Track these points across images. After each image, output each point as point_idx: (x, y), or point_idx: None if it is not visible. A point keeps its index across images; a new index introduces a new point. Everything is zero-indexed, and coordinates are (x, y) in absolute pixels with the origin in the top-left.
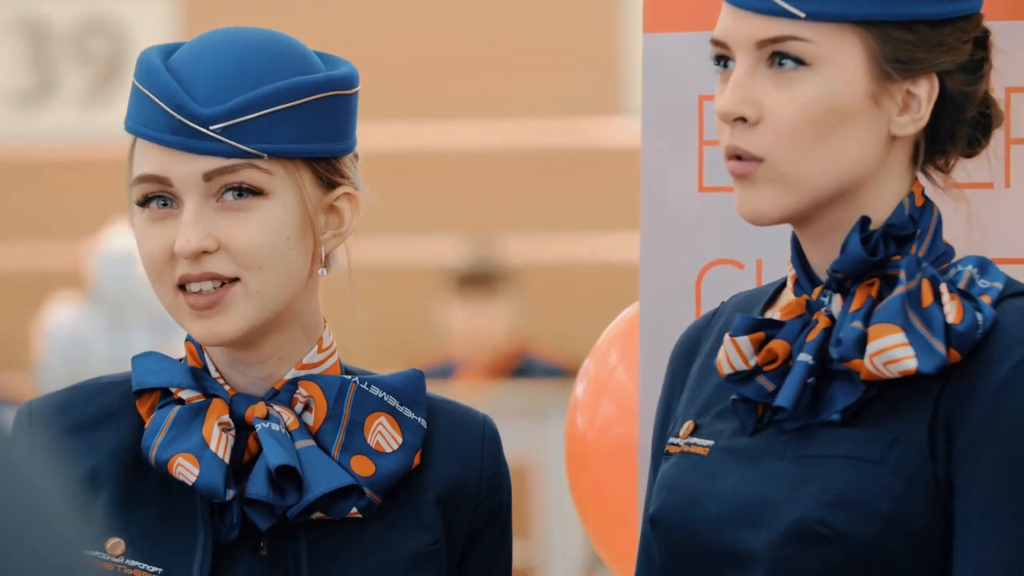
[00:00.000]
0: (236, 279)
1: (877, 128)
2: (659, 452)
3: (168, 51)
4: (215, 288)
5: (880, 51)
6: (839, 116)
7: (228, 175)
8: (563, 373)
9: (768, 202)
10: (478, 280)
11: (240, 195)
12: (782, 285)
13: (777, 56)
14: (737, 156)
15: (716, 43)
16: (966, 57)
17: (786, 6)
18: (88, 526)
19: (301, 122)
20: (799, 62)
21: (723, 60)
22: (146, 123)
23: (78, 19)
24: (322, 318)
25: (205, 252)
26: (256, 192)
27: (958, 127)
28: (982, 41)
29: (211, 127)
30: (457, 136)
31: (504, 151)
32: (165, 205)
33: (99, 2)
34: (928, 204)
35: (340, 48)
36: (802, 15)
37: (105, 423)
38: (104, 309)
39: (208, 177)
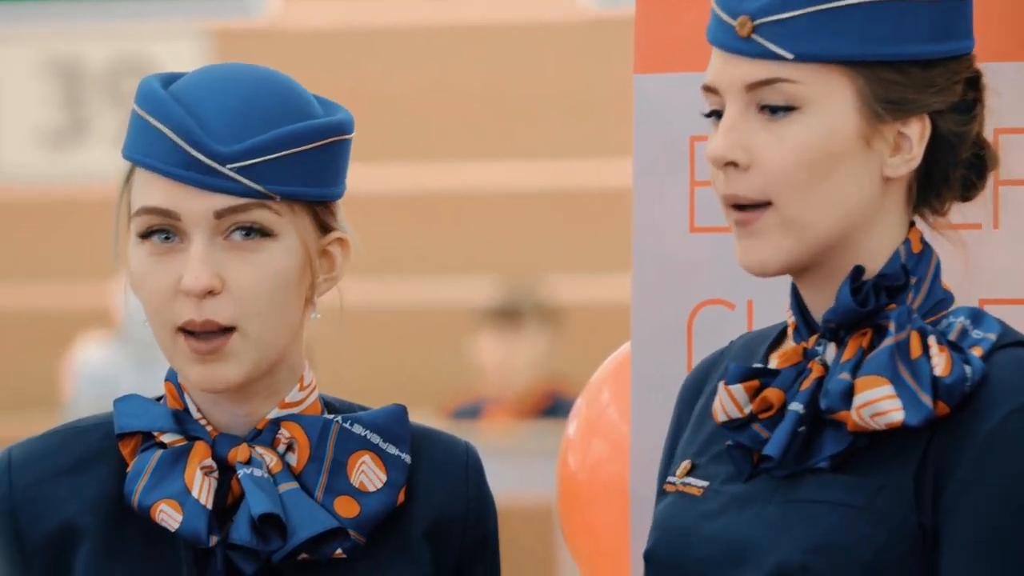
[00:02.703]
0: (233, 329)
1: (870, 169)
2: (661, 491)
3: (168, 80)
4: (215, 335)
5: (870, 91)
6: (832, 157)
7: (240, 214)
8: None
9: (771, 253)
10: (509, 317)
11: (248, 235)
12: (786, 328)
13: (768, 108)
14: (736, 205)
15: (707, 89)
16: (957, 98)
17: (773, 48)
18: None
19: (308, 165)
20: (789, 109)
21: (716, 113)
22: (153, 155)
23: (111, 59)
24: (304, 357)
25: (211, 292)
26: (264, 233)
27: (952, 168)
28: (974, 82)
29: (228, 165)
30: (489, 177)
31: (536, 192)
32: (167, 239)
33: (131, 42)
34: (926, 250)
35: (374, 90)
36: (790, 56)
37: (86, 468)
38: (132, 347)
39: (219, 215)
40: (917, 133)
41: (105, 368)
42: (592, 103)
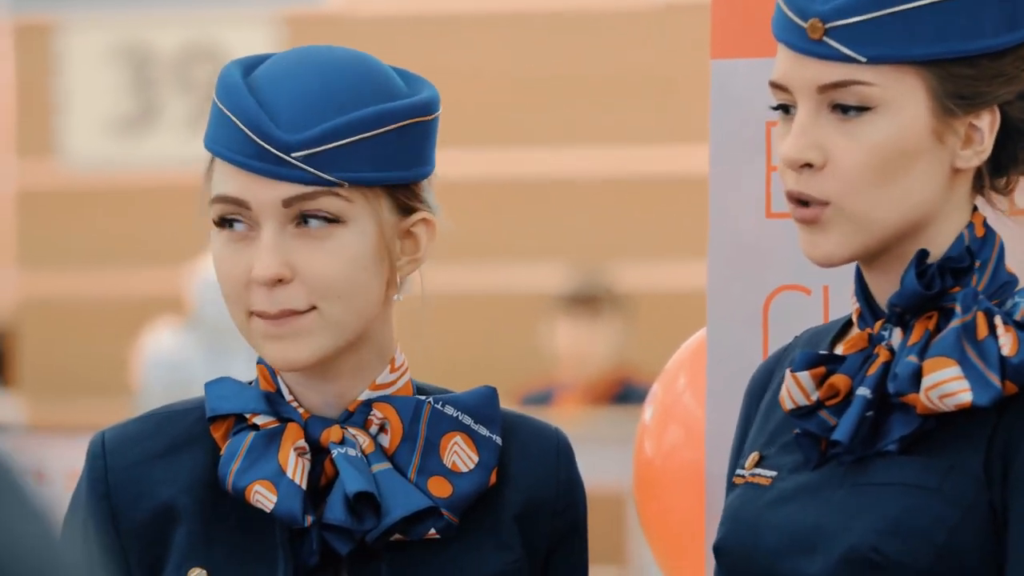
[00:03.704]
0: (312, 308)
1: (941, 164)
2: (731, 483)
3: (250, 65)
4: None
5: (942, 88)
6: (905, 157)
7: (308, 202)
8: None
9: (835, 245)
10: (583, 304)
11: (319, 222)
12: (850, 319)
13: (840, 107)
14: (801, 201)
15: (775, 86)
16: None
17: (846, 51)
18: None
19: (382, 149)
20: (863, 108)
21: (784, 108)
22: (227, 144)
23: (181, 45)
24: (394, 338)
25: (280, 281)
26: (335, 220)
27: (1021, 153)
28: None
29: (293, 154)
30: (563, 164)
31: (610, 178)
32: (243, 227)
33: (202, 28)
34: (989, 234)
35: (443, 75)
36: (863, 59)
37: (180, 451)
38: (204, 334)
39: (287, 204)
40: (988, 124)
41: (176, 354)
42: (666, 89)
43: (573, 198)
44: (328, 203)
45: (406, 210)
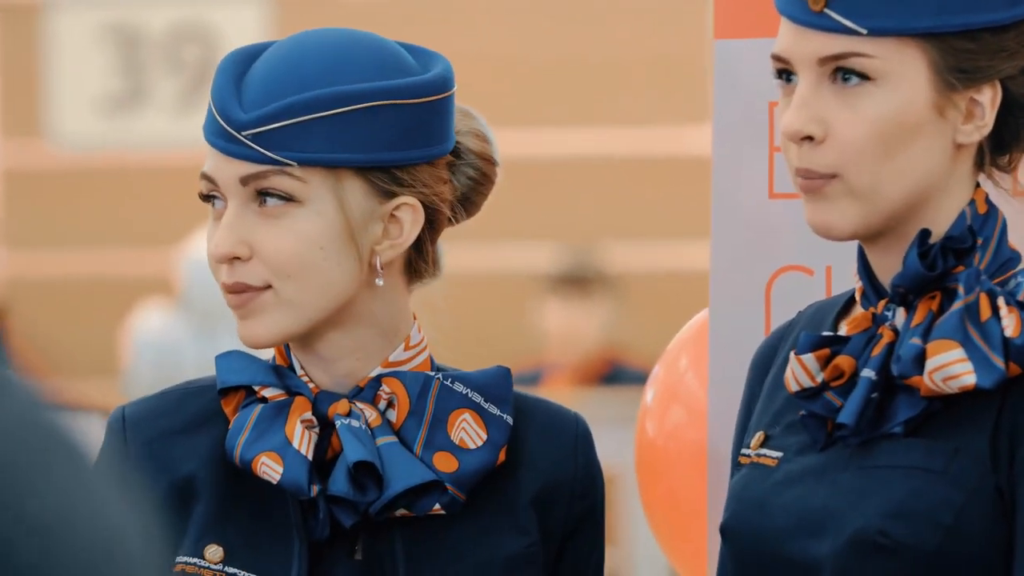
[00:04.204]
0: (268, 286)
1: (943, 138)
2: (736, 463)
3: (263, 49)
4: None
5: (943, 62)
6: (906, 129)
7: (261, 180)
8: None
9: (839, 216)
10: (573, 283)
11: (275, 201)
12: (854, 294)
13: (841, 71)
14: (806, 175)
15: (777, 58)
16: None
17: (848, 23)
18: (166, 559)
19: (346, 130)
20: (863, 77)
21: (785, 74)
22: (207, 122)
23: (171, 26)
24: (411, 317)
25: (238, 258)
26: (290, 199)
27: (1022, 129)
28: None
29: (243, 133)
30: (554, 144)
31: (600, 159)
32: (221, 204)
33: (192, 9)
34: (992, 210)
35: None
36: (864, 31)
37: (199, 428)
38: (192, 315)
39: (244, 182)
40: (989, 99)
41: (165, 335)
42: (657, 71)
43: (563, 179)
44: (280, 182)
45: (387, 193)
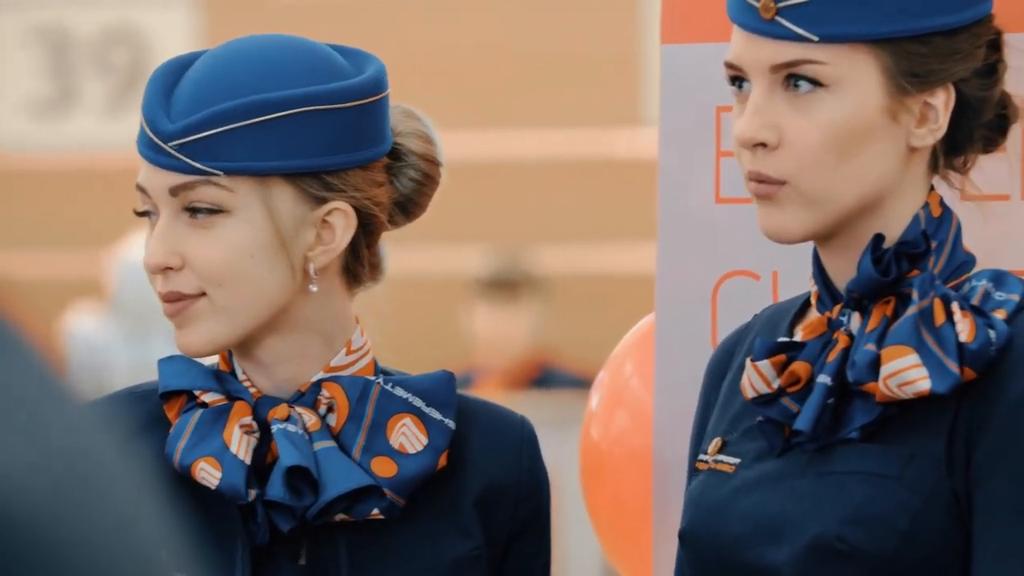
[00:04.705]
0: (202, 294)
1: (896, 142)
2: (693, 469)
3: (195, 59)
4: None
5: (895, 67)
6: (859, 135)
7: (189, 191)
8: (584, 384)
9: (791, 220)
10: (502, 287)
11: (204, 211)
12: (809, 298)
13: (793, 78)
14: (759, 179)
15: (729, 66)
16: (980, 62)
17: (799, 30)
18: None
19: (272, 138)
20: (816, 83)
21: (738, 81)
22: (138, 134)
23: (100, 28)
24: (353, 321)
25: (170, 268)
26: (218, 209)
27: (976, 131)
28: (995, 43)
29: (169, 143)
30: (482, 146)
31: (529, 161)
32: (155, 216)
33: (121, 11)
34: (946, 214)
35: None
36: (815, 38)
37: (143, 432)
38: (123, 318)
39: (173, 192)
40: (942, 102)
41: (96, 338)
42: (589, 72)
43: (492, 181)
44: (207, 193)
45: (319, 199)
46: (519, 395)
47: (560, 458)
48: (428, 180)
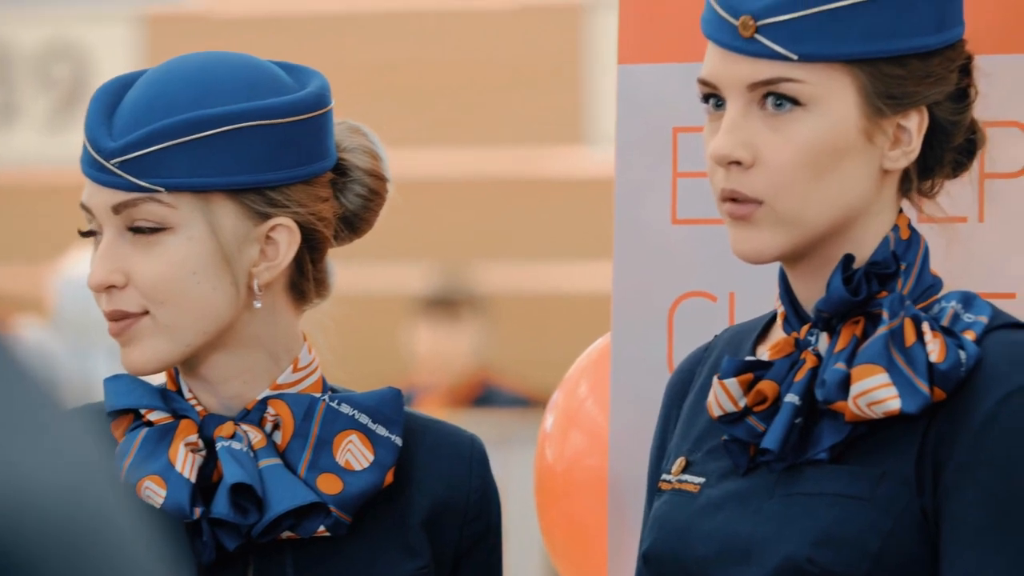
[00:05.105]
0: (146, 312)
1: (870, 164)
2: (653, 488)
3: (137, 77)
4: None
5: (872, 87)
6: (834, 155)
7: (132, 209)
8: (526, 403)
9: (766, 242)
10: (443, 306)
11: (147, 228)
12: (772, 318)
13: (770, 96)
14: (732, 198)
15: (704, 83)
16: (953, 86)
17: (778, 48)
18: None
19: (213, 154)
20: (793, 102)
21: (712, 99)
22: (82, 153)
23: (41, 44)
24: (300, 338)
25: (114, 286)
26: (161, 226)
27: (946, 155)
28: (967, 68)
29: (111, 161)
30: (423, 164)
31: (470, 179)
32: (99, 235)
33: (62, 27)
34: (914, 236)
35: None
36: (794, 57)
37: None
38: (65, 334)
39: (116, 210)
40: (916, 125)
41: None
42: (529, 89)
43: (433, 199)
44: (150, 210)
45: (262, 215)
46: (461, 413)
47: (501, 478)
48: (375, 196)
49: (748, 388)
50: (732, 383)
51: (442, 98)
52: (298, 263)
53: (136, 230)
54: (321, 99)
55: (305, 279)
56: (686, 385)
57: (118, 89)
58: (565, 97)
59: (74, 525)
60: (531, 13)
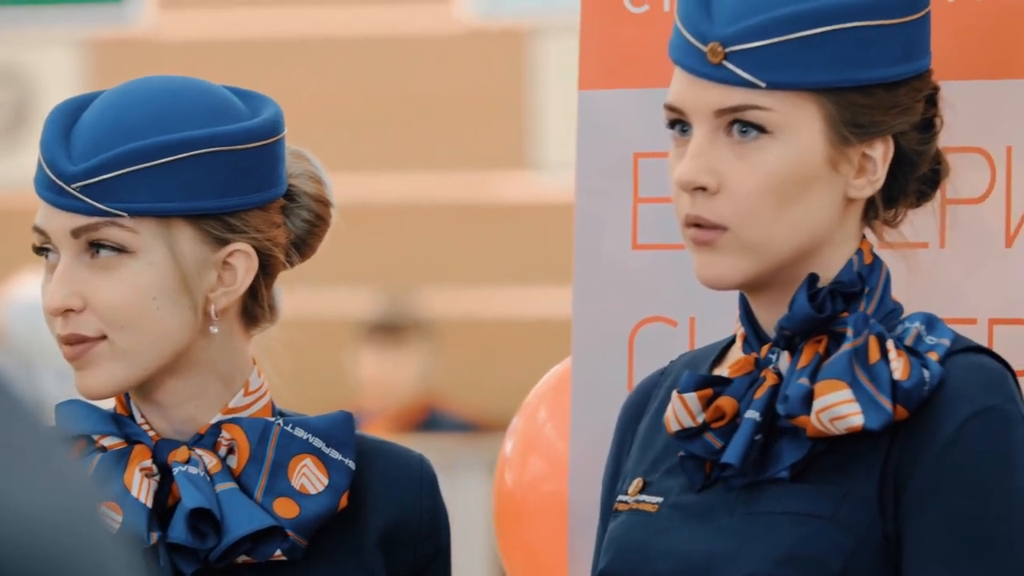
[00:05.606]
0: (104, 337)
1: (835, 192)
2: (607, 511)
3: (92, 99)
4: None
5: (839, 116)
6: (800, 183)
7: (92, 232)
8: (471, 428)
9: (729, 268)
10: (387, 331)
11: (107, 252)
12: (729, 343)
13: (737, 123)
14: (697, 224)
15: (671, 108)
16: (919, 116)
17: (746, 76)
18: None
19: (174, 179)
20: (760, 130)
21: (679, 124)
22: (36, 175)
23: None
24: (250, 362)
25: (71, 310)
26: (122, 250)
27: (911, 184)
28: (933, 98)
29: (72, 185)
30: (369, 189)
31: (415, 204)
32: (54, 256)
33: (5, 50)
34: (877, 261)
35: None
36: (762, 84)
37: None
38: (13, 358)
39: (76, 234)
40: (881, 154)
41: None
42: (474, 114)
43: (379, 223)
44: (111, 234)
45: (220, 240)
46: (406, 438)
47: (448, 501)
48: (320, 221)
49: (707, 404)
50: (691, 397)
51: (387, 123)
52: (252, 288)
53: (96, 250)
54: (276, 126)
55: (259, 304)
56: (641, 408)
57: (73, 111)
58: (510, 122)
59: (62, 549)
60: (478, 39)
